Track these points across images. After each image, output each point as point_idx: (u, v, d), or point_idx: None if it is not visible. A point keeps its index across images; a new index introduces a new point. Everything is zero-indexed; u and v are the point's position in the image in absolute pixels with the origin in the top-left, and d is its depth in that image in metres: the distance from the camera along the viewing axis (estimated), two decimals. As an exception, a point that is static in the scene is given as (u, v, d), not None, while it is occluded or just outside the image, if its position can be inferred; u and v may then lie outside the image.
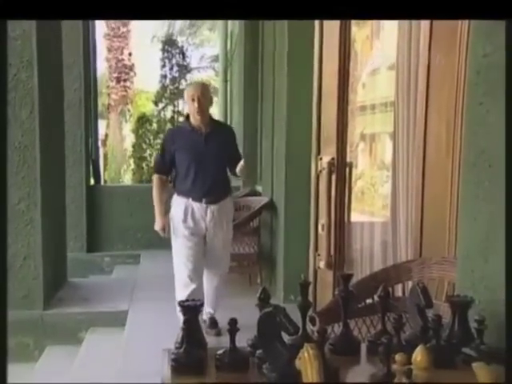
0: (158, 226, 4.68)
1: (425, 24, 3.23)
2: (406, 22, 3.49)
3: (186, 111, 5.54)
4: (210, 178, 4.52)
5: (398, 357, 1.43)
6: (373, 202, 4.71)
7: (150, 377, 1.86)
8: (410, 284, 2.77)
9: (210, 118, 4.72)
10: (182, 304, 1.77)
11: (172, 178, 4.75)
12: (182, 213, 4.51)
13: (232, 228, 4.84)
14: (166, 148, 4.68)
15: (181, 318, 1.88)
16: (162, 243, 7.33)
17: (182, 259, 4.52)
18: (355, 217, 4.57)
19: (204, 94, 4.54)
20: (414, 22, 3.37)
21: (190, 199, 4.52)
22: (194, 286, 4.42)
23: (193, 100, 4.49)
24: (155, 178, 4.77)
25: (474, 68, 2.08)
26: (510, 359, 1.34)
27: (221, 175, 4.65)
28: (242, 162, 4.46)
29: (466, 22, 2.73)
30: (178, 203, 4.57)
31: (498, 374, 1.25)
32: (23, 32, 4.66)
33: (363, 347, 1.97)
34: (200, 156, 4.51)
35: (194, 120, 4.56)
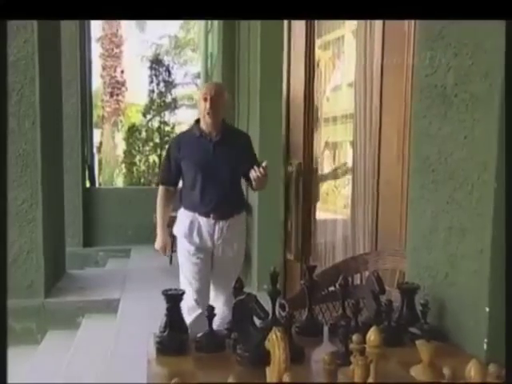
0: (158, 245, 3.84)
1: (378, 49, 3.27)
2: (362, 46, 3.52)
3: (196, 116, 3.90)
4: (219, 191, 3.62)
5: (355, 337, 1.45)
6: (335, 202, 4.73)
7: (138, 357, 1.86)
8: (366, 273, 2.79)
9: (223, 124, 3.73)
10: (165, 293, 1.77)
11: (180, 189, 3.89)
12: (186, 227, 3.66)
13: (244, 248, 3.92)
14: (171, 156, 3.73)
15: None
16: (151, 239, 7.33)
17: (187, 277, 3.66)
18: (320, 215, 4.60)
19: (218, 95, 3.61)
20: (369, 47, 3.41)
21: (197, 214, 3.64)
22: (199, 311, 3.47)
23: (205, 100, 3.57)
24: (160, 189, 3.85)
25: (418, 86, 2.11)
26: (511, 359, 1.34)
27: (232, 188, 3.69)
28: (264, 164, 3.43)
29: (412, 48, 2.78)
30: (183, 217, 3.71)
31: (436, 349, 1.28)
32: (27, 53, 4.64)
33: (325, 329, 1.98)
34: (208, 166, 3.60)
35: (204, 124, 3.63)
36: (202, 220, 3.63)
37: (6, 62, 3.89)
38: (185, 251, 3.68)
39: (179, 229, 3.72)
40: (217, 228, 3.63)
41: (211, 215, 3.61)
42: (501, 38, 1.63)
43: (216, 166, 3.60)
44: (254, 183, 3.54)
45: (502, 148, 1.65)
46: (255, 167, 3.43)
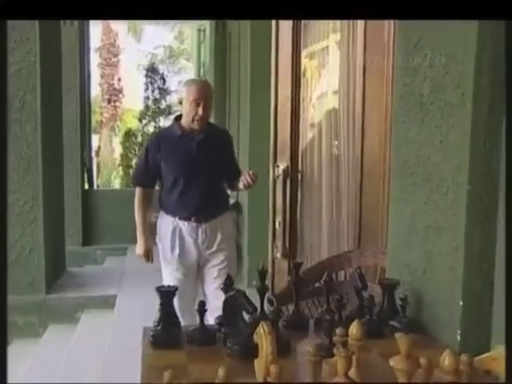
0: (139, 250, 3.40)
1: (360, 59, 3.29)
2: (345, 57, 3.54)
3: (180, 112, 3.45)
4: (200, 192, 3.23)
5: (338, 330, 1.46)
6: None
7: (133, 350, 1.86)
8: (350, 270, 2.80)
9: (208, 123, 3.34)
10: (159, 289, 1.77)
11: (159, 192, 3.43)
12: (168, 236, 3.27)
13: (234, 247, 3.51)
14: (149, 155, 3.29)
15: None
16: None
17: None
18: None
19: (209, 99, 3.23)
20: (352, 57, 3.43)
21: (177, 218, 3.25)
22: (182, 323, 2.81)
23: (197, 104, 3.15)
24: (137, 191, 3.41)
25: (398, 94, 2.13)
26: (510, 359, 1.32)
27: (215, 188, 3.32)
28: (252, 172, 3.22)
29: (391, 59, 2.80)
30: (164, 224, 3.31)
31: (413, 341, 1.29)
32: (29, 63, 4.63)
33: (311, 323, 1.99)
34: (190, 166, 3.22)
35: (189, 126, 3.23)
36: (184, 225, 3.25)
37: (6, 62, 3.85)
38: (169, 264, 3.31)
39: (162, 238, 3.32)
40: (200, 231, 3.25)
41: (192, 218, 3.23)
42: (472, 50, 1.65)
43: (198, 166, 3.22)
44: (241, 187, 3.33)
45: (474, 152, 1.67)
46: (245, 173, 3.23)
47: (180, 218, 3.25)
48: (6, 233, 1.66)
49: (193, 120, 3.19)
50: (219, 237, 3.29)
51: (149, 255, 3.39)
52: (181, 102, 3.25)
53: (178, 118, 3.33)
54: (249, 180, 3.18)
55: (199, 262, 3.34)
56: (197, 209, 3.23)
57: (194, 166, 3.22)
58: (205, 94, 3.19)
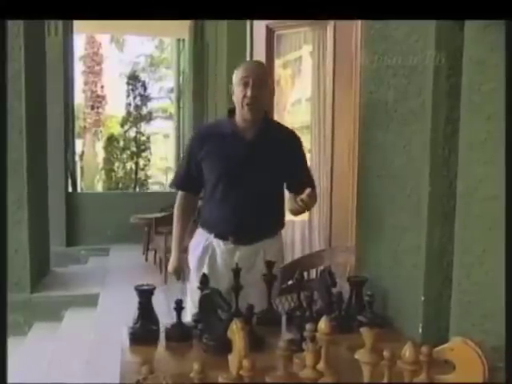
0: (170, 267, 2.57)
1: (329, 69, 3.32)
2: (316, 67, 3.57)
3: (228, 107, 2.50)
4: (244, 205, 2.38)
5: (308, 326, 1.46)
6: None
7: (114, 345, 1.85)
8: (321, 268, 2.80)
9: (265, 118, 2.46)
10: (137, 288, 1.77)
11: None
12: (197, 256, 2.45)
13: (279, 283, 2.38)
14: (191, 154, 2.48)
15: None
16: (128, 239, 7.25)
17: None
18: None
19: (261, 80, 2.36)
20: (322, 67, 3.46)
21: (213, 235, 2.43)
22: None
23: (245, 84, 2.33)
24: (178, 196, 2.59)
25: (364, 102, 2.16)
26: (510, 359, 1.31)
27: (266, 203, 2.41)
28: (308, 191, 2.17)
29: (358, 68, 2.83)
30: (197, 241, 2.50)
31: (377, 335, 1.31)
32: (15, 71, 4.58)
33: (283, 319, 1.99)
34: (234, 171, 2.38)
35: (241, 118, 2.39)
36: (218, 244, 2.42)
37: (6, 62, 3.78)
38: (193, 285, 2.30)
39: (191, 257, 2.52)
40: (237, 255, 2.37)
41: (230, 238, 2.38)
42: (430, 62, 1.68)
43: (246, 172, 2.38)
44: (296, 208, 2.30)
45: (434, 156, 1.70)
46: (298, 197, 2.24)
47: (216, 236, 2.43)
48: (6, 233, 1.64)
49: (242, 106, 2.35)
50: (260, 265, 2.28)
51: (179, 273, 2.59)
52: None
53: (232, 111, 2.47)
54: (298, 204, 2.24)
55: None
56: (237, 226, 2.40)
57: (239, 171, 2.39)
58: (255, 72, 2.37)
